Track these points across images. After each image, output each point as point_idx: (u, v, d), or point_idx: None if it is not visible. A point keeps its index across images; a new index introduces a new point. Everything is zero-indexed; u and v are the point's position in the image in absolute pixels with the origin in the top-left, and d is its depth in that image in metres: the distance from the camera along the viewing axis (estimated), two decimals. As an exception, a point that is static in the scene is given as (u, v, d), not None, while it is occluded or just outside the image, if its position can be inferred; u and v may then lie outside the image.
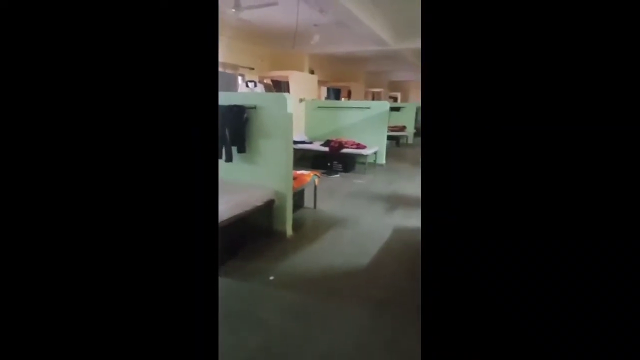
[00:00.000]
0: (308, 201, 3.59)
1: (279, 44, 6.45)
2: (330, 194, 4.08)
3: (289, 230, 2.83)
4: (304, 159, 5.73)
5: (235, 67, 6.11)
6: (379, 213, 3.47)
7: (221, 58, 5.67)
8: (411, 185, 4.69)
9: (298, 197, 3.39)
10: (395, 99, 13.69)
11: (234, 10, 3.80)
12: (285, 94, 2.65)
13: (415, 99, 14.34)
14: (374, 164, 5.95)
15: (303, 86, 6.90)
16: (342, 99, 9.81)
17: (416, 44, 6.37)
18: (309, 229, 3.03)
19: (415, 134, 9.81)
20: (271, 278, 2.13)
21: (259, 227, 2.82)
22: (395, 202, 3.86)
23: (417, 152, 8.08)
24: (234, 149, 2.79)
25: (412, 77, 12.99)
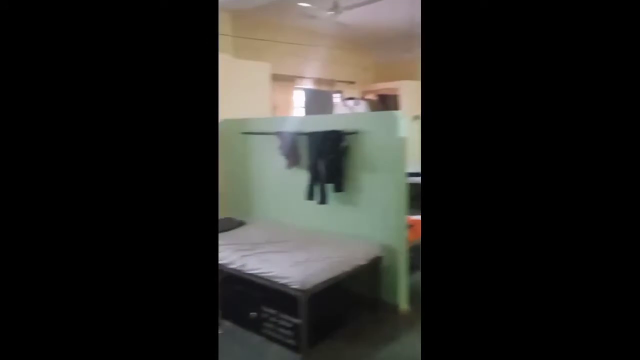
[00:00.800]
0: (430, 259, 3.35)
1: (386, 51, 6.62)
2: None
3: (403, 303, 2.65)
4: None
5: (331, 82, 6.49)
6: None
7: (314, 73, 6.10)
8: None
9: (416, 254, 3.18)
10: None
11: (331, 13, 4.06)
12: (396, 112, 2.60)
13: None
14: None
15: (418, 99, 6.79)
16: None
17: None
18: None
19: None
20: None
21: (361, 297, 2.73)
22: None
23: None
24: (330, 188, 2.82)
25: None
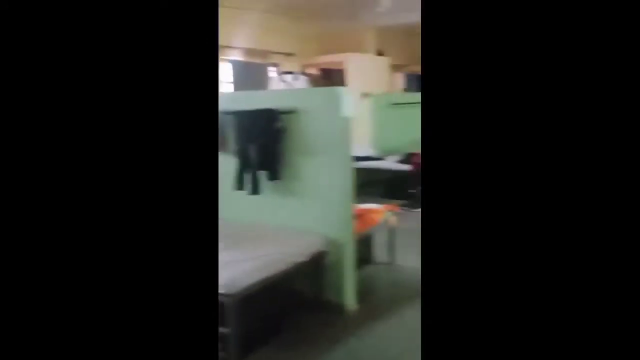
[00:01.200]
0: (381, 253, 3.50)
1: (331, 19, 6.65)
2: (416, 240, 3.90)
3: (351, 301, 2.72)
4: (372, 184, 5.67)
5: (265, 53, 6.40)
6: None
7: (246, 43, 5.99)
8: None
9: (364, 247, 3.29)
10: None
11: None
12: (340, 89, 2.64)
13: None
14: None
15: (367, 75, 6.97)
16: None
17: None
18: (383, 298, 2.93)
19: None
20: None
21: (303, 297, 2.78)
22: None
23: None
24: (263, 175, 2.81)
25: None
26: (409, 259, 3.48)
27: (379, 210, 3.31)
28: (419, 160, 5.44)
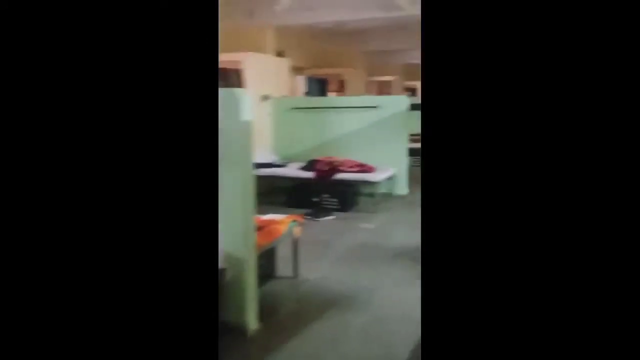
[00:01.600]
0: (284, 266, 3.45)
1: (226, 14, 6.50)
2: (321, 251, 3.96)
3: (252, 322, 2.64)
4: (273, 192, 5.63)
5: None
6: (403, 281, 3.35)
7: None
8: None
9: (266, 260, 3.22)
10: (413, 92, 14.01)
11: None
12: (239, 90, 2.56)
13: (444, 91, 14.70)
14: (389, 196, 5.91)
15: (266, 76, 6.93)
16: (331, 93, 9.92)
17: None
18: (288, 316, 2.89)
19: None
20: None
21: (200, 320, 2.62)
22: (429, 259, 3.75)
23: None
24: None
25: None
26: (314, 271, 3.49)
27: (282, 221, 3.27)
28: (322, 167, 5.52)
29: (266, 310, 2.78)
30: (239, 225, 2.60)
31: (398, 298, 3.07)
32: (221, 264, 2.55)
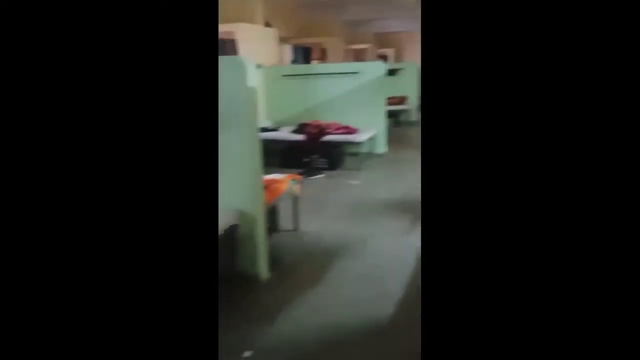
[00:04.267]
0: (285, 221, 3.39)
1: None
2: (315, 206, 3.91)
3: (264, 271, 2.60)
4: (269, 154, 5.50)
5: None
6: (392, 230, 3.34)
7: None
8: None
9: (271, 216, 3.15)
10: (385, 58, 13.74)
11: None
12: (243, 57, 2.40)
13: (413, 57, 14.45)
14: (371, 155, 5.86)
15: (257, 46, 6.63)
16: (314, 61, 9.65)
17: (417, -23, 6.30)
18: (294, 265, 2.85)
19: (419, 107, 9.86)
20: (246, 355, 1.90)
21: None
22: (412, 209, 3.75)
23: (426, 133, 8.12)
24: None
25: (408, 26, 13.07)
26: (311, 224, 3.46)
27: (283, 180, 3.19)
28: (311, 130, 5.40)
29: (275, 261, 2.75)
30: (249, 185, 2.51)
31: (388, 245, 3.06)
32: (235, 220, 2.47)
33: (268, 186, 2.96)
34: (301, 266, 2.81)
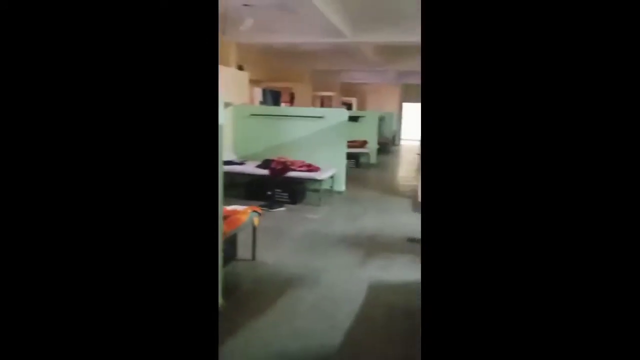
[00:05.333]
0: (243, 250, 3.34)
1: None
2: (274, 238, 3.88)
3: (219, 298, 2.51)
4: (233, 186, 5.46)
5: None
6: (345, 263, 3.35)
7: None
8: (383, 219, 4.68)
9: (228, 245, 3.10)
10: (349, 106, 14.16)
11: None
12: (212, 95, 2.43)
13: (374, 107, 14.99)
14: (331, 192, 5.92)
15: (229, 86, 6.71)
16: (283, 104, 9.81)
17: (379, 37, 6.65)
18: (248, 293, 2.79)
19: (379, 151, 10.12)
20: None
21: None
22: (365, 245, 3.79)
23: (382, 176, 8.31)
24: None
25: (371, 78, 13.64)
26: (268, 255, 3.41)
27: (244, 211, 3.17)
28: (276, 165, 5.43)
29: (229, 288, 2.68)
30: (208, 215, 2.47)
31: (342, 278, 3.06)
32: (191, 248, 2.41)
33: (228, 216, 2.93)
34: (255, 295, 2.75)
